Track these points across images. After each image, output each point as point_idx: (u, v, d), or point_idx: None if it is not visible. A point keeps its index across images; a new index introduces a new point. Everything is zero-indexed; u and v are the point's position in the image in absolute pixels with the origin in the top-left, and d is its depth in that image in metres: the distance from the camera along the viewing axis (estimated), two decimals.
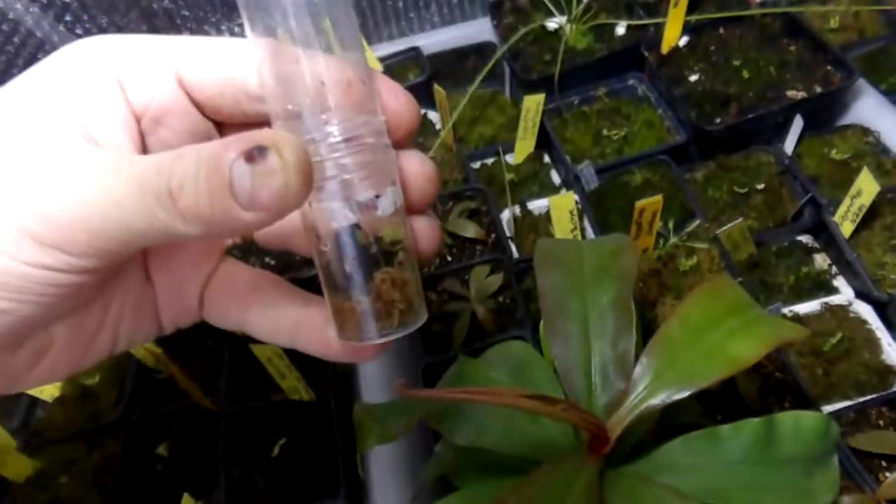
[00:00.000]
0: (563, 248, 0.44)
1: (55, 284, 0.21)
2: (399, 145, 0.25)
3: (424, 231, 0.26)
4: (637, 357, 0.36)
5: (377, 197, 0.23)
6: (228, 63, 0.24)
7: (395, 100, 0.25)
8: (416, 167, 0.25)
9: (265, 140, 0.19)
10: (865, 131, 0.73)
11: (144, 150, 0.25)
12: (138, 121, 0.24)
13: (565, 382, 0.38)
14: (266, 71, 0.23)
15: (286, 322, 0.27)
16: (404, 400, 0.45)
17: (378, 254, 0.24)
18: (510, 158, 0.82)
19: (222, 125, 0.27)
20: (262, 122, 0.25)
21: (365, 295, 0.24)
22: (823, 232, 0.67)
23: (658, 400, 0.34)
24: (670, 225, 0.69)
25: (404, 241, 0.24)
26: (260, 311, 0.27)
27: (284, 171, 0.19)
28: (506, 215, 0.76)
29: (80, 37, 0.86)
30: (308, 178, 0.20)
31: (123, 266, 0.26)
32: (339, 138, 0.22)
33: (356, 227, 0.23)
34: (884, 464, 0.50)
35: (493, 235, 0.72)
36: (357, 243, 0.23)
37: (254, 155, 0.19)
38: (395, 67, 0.96)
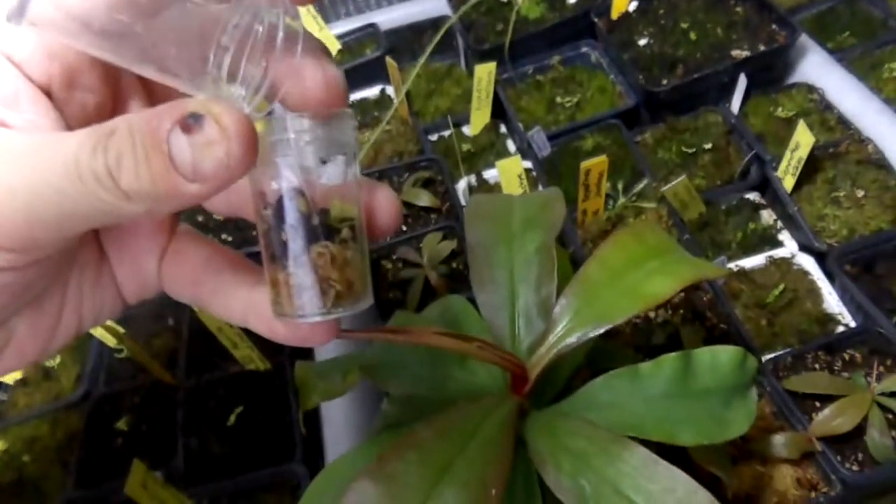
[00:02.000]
0: (494, 202, 0.45)
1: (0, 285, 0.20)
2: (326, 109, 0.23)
3: (383, 205, 0.25)
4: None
5: (323, 162, 0.22)
6: None
7: (322, 71, 0.23)
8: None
9: (198, 108, 0.18)
10: (810, 89, 0.74)
11: (67, 125, 0.22)
12: (48, 94, 0.22)
13: (492, 327, 0.39)
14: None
15: (237, 302, 0.26)
16: (344, 356, 0.46)
17: (319, 227, 0.22)
18: (467, 130, 0.83)
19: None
20: None
21: (299, 267, 0.23)
22: (769, 188, 0.68)
23: (575, 338, 0.35)
24: (620, 187, 0.70)
25: (354, 220, 0.23)
26: (212, 289, 0.26)
27: (226, 140, 0.19)
28: (462, 185, 0.77)
29: None
30: (252, 144, 0.19)
31: (75, 248, 0.25)
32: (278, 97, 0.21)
33: (298, 192, 0.22)
34: (817, 404, 0.51)
35: (448, 204, 0.73)
36: (297, 210, 0.22)
37: (190, 124, 0.18)
38: (352, 44, 0.96)
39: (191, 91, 0.21)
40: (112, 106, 0.24)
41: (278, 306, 0.24)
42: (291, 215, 0.22)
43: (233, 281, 0.26)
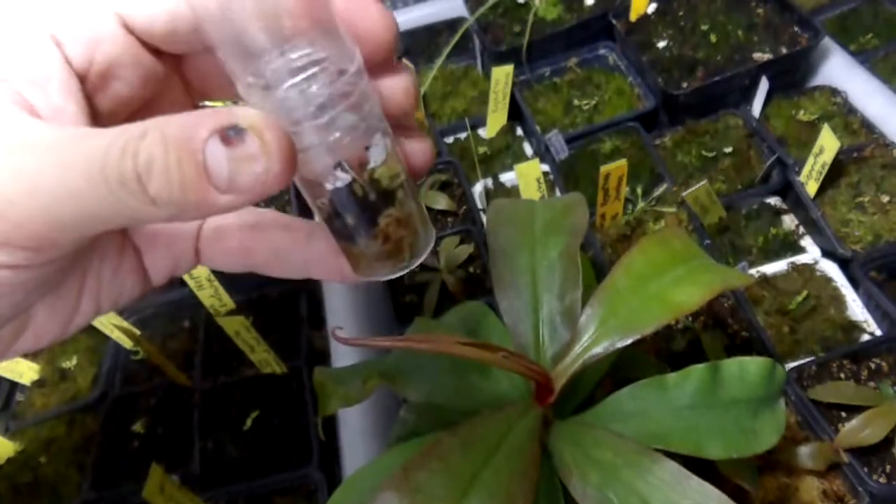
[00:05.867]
0: (516, 207, 0.44)
1: (14, 283, 0.20)
2: (378, 71, 0.23)
3: (416, 150, 0.25)
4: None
5: (367, 149, 0.22)
6: None
7: (365, 18, 0.22)
8: (397, 83, 0.23)
9: (241, 120, 0.18)
10: (833, 92, 0.73)
11: (93, 112, 0.22)
12: (82, 80, 0.21)
13: (514, 335, 0.38)
14: (208, 16, 0.19)
15: (296, 258, 0.26)
16: (363, 363, 0.45)
17: (378, 199, 0.23)
18: (483, 132, 0.83)
19: (180, 58, 0.24)
20: None
21: (373, 240, 0.23)
22: (791, 193, 0.67)
23: (601, 348, 0.34)
24: (639, 191, 0.69)
25: (400, 176, 0.23)
26: (265, 252, 0.26)
27: (266, 156, 0.18)
28: (478, 188, 0.77)
29: None
30: (292, 162, 0.19)
31: (96, 243, 0.24)
32: (319, 101, 0.20)
33: (352, 182, 0.22)
34: (843, 414, 0.50)
35: (465, 207, 0.72)
36: (355, 198, 0.22)
37: (229, 136, 0.18)
38: None
39: (242, 88, 0.20)
40: (144, 103, 0.23)
41: (359, 270, 0.25)
42: (350, 203, 0.22)
43: (287, 239, 0.26)
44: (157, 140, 0.18)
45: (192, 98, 0.26)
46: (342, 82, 0.20)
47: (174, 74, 0.24)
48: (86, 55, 0.21)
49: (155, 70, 0.23)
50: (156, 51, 0.23)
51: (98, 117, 0.22)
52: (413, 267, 0.25)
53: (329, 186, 0.22)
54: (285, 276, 0.27)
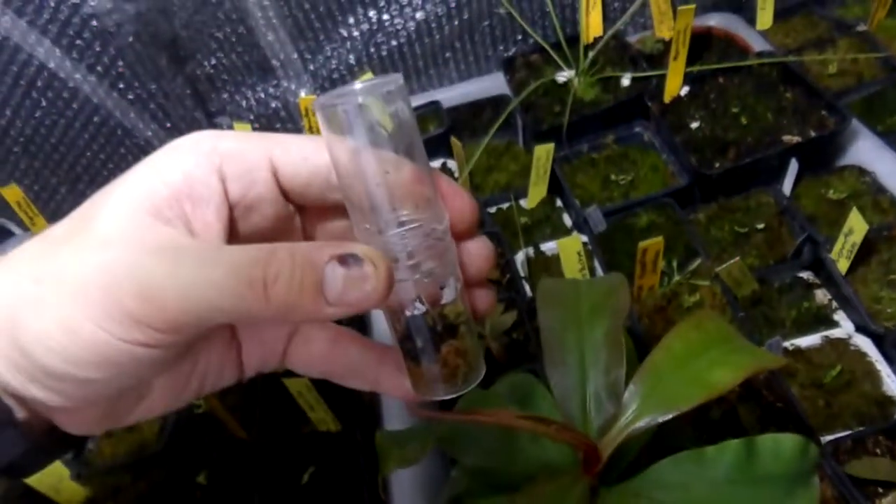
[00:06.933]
0: (562, 288, 0.48)
1: (145, 358, 0.23)
2: (462, 237, 0.29)
3: (482, 298, 0.31)
4: (627, 385, 0.40)
5: (442, 288, 0.28)
6: (315, 158, 0.27)
7: (458, 199, 0.28)
8: (479, 250, 0.30)
9: (358, 251, 0.23)
10: (862, 171, 0.77)
11: (234, 233, 0.28)
12: (231, 208, 0.27)
13: (563, 408, 0.42)
14: (344, 179, 0.26)
15: (368, 373, 0.31)
16: (421, 426, 0.49)
17: (443, 330, 0.28)
18: (524, 203, 0.88)
19: (302, 209, 0.30)
20: (340, 205, 0.28)
21: (434, 364, 0.28)
22: (822, 268, 0.70)
23: (644, 422, 0.38)
24: (674, 264, 0.73)
25: (464, 315, 0.29)
26: (342, 364, 0.31)
27: (375, 279, 0.23)
28: (520, 257, 0.81)
29: (132, 102, 0.95)
30: (390, 287, 0.24)
31: (212, 332, 0.29)
32: (415, 249, 0.26)
33: (425, 314, 0.28)
34: (880, 490, 0.52)
35: (508, 276, 0.77)
36: (426, 326, 0.28)
37: (347, 260, 0.23)
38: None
39: (358, 231, 0.27)
40: (272, 236, 0.29)
41: (418, 389, 0.29)
42: (422, 330, 0.28)
43: (361, 357, 0.31)
44: (286, 255, 0.23)
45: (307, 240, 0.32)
46: (432, 237, 0.27)
47: (296, 218, 0.30)
48: (241, 191, 0.27)
49: (287, 213, 0.29)
50: (287, 198, 0.29)
51: (236, 239, 0.28)
52: (462, 392, 0.29)
53: (408, 313, 0.28)
54: (356, 387, 0.32)
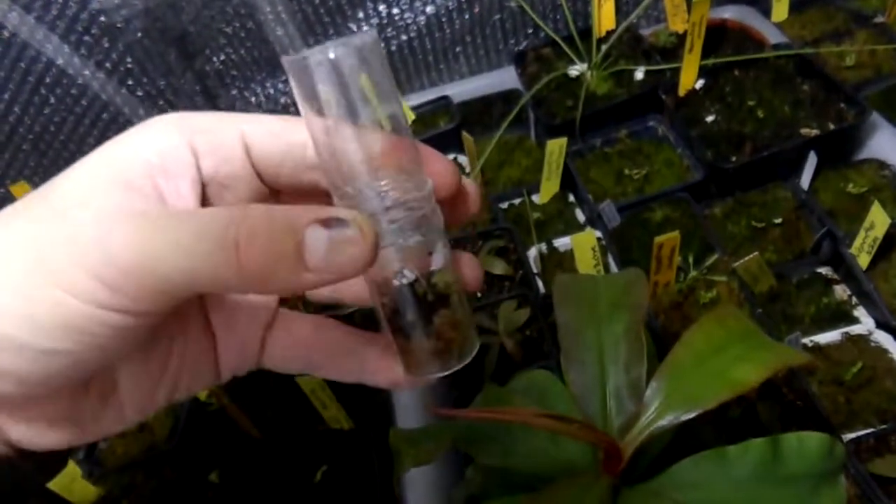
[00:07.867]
0: (580, 284, 0.47)
1: (112, 326, 0.22)
2: (445, 203, 0.28)
3: (469, 268, 0.29)
4: (648, 382, 0.39)
5: (430, 254, 0.27)
6: (289, 137, 0.27)
7: (437, 162, 0.27)
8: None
9: (343, 214, 0.22)
10: (881, 165, 0.75)
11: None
12: (205, 185, 0.26)
13: (582, 406, 0.41)
14: (321, 147, 0.25)
15: (353, 363, 0.29)
16: (437, 425, 0.49)
17: (435, 299, 0.27)
18: (536, 199, 0.87)
19: (279, 195, 0.29)
20: (315, 190, 0.28)
21: (426, 337, 0.27)
22: (842, 264, 0.69)
23: (666, 421, 0.37)
24: (690, 259, 0.72)
25: (455, 284, 0.28)
26: (325, 355, 0.30)
27: (362, 242, 0.22)
28: (533, 253, 0.80)
29: (141, 99, 0.95)
30: (376, 251, 0.23)
31: (184, 319, 0.27)
32: (398, 212, 0.25)
33: (414, 282, 0.26)
34: None
35: (521, 272, 0.76)
36: (416, 296, 0.27)
37: (331, 223, 0.21)
38: (426, 116, 1.02)
39: (337, 198, 0.25)
40: None
41: (410, 368, 0.28)
42: (412, 301, 0.26)
43: (345, 345, 0.30)
44: (262, 216, 0.21)
45: None
46: (414, 199, 0.25)
47: (273, 200, 0.29)
48: (213, 167, 0.26)
49: (260, 193, 0.28)
50: (262, 180, 0.28)
51: None
52: (457, 368, 0.28)
53: (395, 283, 0.26)
54: (340, 378, 0.30)
